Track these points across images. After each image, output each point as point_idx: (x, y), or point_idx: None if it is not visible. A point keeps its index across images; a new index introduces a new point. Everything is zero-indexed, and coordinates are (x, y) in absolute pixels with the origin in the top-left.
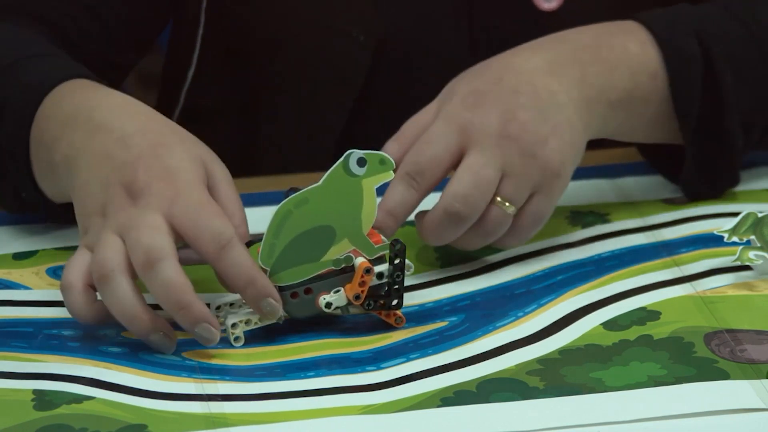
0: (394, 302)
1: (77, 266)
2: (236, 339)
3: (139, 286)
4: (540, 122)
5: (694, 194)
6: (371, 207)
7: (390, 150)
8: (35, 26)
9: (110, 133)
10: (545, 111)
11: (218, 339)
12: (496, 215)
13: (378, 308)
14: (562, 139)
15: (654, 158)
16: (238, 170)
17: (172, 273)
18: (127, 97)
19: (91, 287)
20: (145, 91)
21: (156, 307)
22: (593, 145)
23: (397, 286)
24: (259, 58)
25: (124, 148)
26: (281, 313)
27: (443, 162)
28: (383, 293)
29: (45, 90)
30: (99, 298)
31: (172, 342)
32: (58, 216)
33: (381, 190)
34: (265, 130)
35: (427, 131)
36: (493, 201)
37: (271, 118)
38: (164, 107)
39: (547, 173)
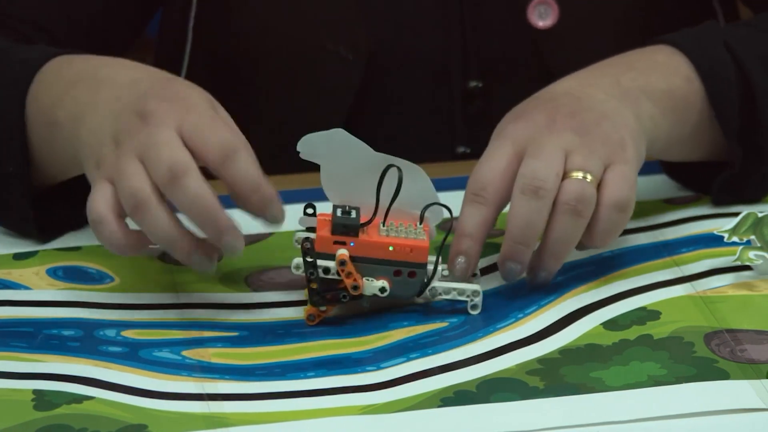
0: (315, 299)
1: (103, 198)
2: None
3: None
4: (585, 111)
5: (724, 201)
6: None
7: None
8: (20, 29)
9: (116, 83)
10: (588, 105)
11: (243, 247)
12: (574, 187)
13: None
14: (614, 121)
15: (680, 175)
16: None
17: (198, 185)
18: (129, 61)
19: (121, 217)
20: None
21: None
22: None
23: (314, 285)
24: (248, 76)
25: (133, 88)
26: (282, 221)
27: (500, 169)
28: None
29: (40, 63)
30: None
31: (213, 261)
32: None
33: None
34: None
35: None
36: (566, 176)
37: (263, 134)
38: None
39: (609, 144)
